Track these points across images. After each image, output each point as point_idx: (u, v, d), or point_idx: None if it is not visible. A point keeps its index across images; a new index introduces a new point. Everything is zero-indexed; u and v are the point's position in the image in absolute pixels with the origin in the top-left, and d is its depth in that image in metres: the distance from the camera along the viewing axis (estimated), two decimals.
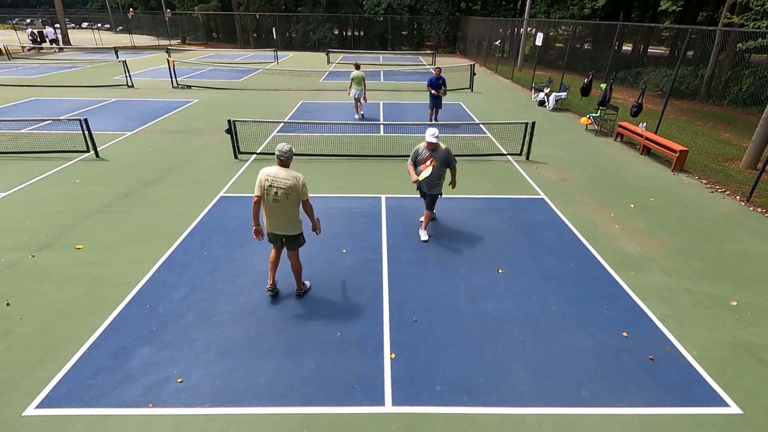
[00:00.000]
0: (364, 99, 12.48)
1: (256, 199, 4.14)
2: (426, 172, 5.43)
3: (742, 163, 9.28)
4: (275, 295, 4.68)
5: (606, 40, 21.38)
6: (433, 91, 11.41)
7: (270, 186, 4.02)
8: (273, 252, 4.57)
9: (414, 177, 5.58)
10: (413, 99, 15.45)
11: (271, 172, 4.06)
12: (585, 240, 6.03)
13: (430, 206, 5.82)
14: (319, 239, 5.89)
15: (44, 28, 33.11)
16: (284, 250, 4.55)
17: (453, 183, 5.92)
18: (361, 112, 12.85)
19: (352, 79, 12.05)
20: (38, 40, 31.05)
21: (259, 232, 4.33)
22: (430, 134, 5.34)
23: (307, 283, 4.84)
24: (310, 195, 7.62)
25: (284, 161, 4.08)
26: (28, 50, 29.09)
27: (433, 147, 5.43)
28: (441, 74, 11.42)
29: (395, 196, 7.32)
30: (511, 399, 3.53)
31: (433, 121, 11.73)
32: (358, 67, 12.33)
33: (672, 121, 12.73)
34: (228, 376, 3.69)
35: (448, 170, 5.80)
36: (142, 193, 7.30)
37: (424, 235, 5.94)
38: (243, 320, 4.35)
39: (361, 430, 3.25)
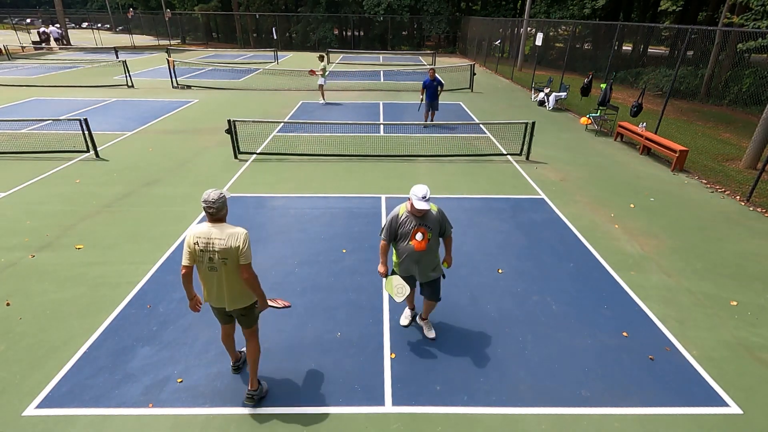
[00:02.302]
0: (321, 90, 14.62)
1: (184, 270, 3.09)
2: (398, 293, 3.72)
3: (742, 163, 9.29)
4: (239, 369, 3.73)
5: (606, 40, 21.39)
6: (421, 96, 11.44)
7: (202, 251, 3.01)
8: (222, 331, 3.53)
9: (382, 267, 3.82)
10: (413, 99, 15.44)
11: (201, 231, 3.03)
12: (585, 240, 6.03)
13: (434, 296, 4.00)
14: (320, 239, 5.88)
15: (48, 27, 33.26)
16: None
17: (448, 260, 3.98)
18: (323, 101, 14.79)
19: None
20: (48, 39, 31.32)
21: (197, 302, 3.30)
22: (418, 195, 3.46)
23: (265, 384, 3.59)
24: (311, 195, 7.75)
25: (215, 214, 3.01)
26: (38, 49, 29.35)
27: (422, 213, 3.59)
28: (435, 75, 11.38)
29: (395, 196, 7.32)
30: (511, 399, 3.53)
31: (429, 121, 11.70)
32: (322, 58, 14.31)
33: (672, 121, 12.72)
34: (228, 376, 3.69)
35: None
36: (142, 193, 7.30)
37: (430, 331, 4.22)
38: None
39: (361, 430, 3.25)
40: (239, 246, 3.00)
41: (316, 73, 14.34)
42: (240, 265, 3.04)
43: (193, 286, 3.23)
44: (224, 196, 3.06)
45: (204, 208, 3.00)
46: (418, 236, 3.63)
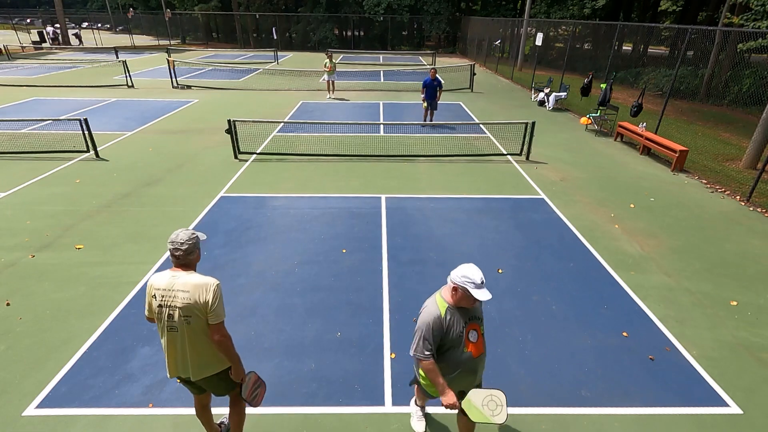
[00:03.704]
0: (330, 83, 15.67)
1: (149, 317, 2.55)
2: (494, 414, 2.46)
3: (742, 163, 9.29)
4: None
5: (606, 40, 21.39)
6: (422, 96, 11.49)
7: (160, 306, 2.42)
8: (196, 402, 2.91)
9: (449, 397, 2.49)
10: (413, 99, 15.44)
11: (160, 283, 2.43)
12: (585, 240, 6.03)
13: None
14: (320, 239, 5.88)
15: (47, 27, 33.50)
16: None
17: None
18: (330, 96, 15.72)
19: (326, 66, 15.26)
20: (57, 38, 31.68)
21: None
22: (476, 282, 2.38)
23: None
24: (311, 195, 7.77)
25: (182, 259, 2.43)
26: (38, 49, 29.75)
27: (475, 304, 2.54)
28: (436, 75, 11.38)
29: (395, 196, 7.32)
30: (511, 399, 3.50)
31: (428, 121, 11.72)
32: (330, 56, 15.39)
33: (672, 121, 12.72)
34: None
35: None
36: (142, 193, 7.30)
37: (419, 426, 3.28)
38: (243, 320, 4.35)
39: (361, 430, 3.25)
40: (208, 301, 2.37)
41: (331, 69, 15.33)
42: (210, 326, 2.42)
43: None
44: (196, 237, 2.47)
45: (170, 250, 2.42)
46: (472, 336, 2.57)
